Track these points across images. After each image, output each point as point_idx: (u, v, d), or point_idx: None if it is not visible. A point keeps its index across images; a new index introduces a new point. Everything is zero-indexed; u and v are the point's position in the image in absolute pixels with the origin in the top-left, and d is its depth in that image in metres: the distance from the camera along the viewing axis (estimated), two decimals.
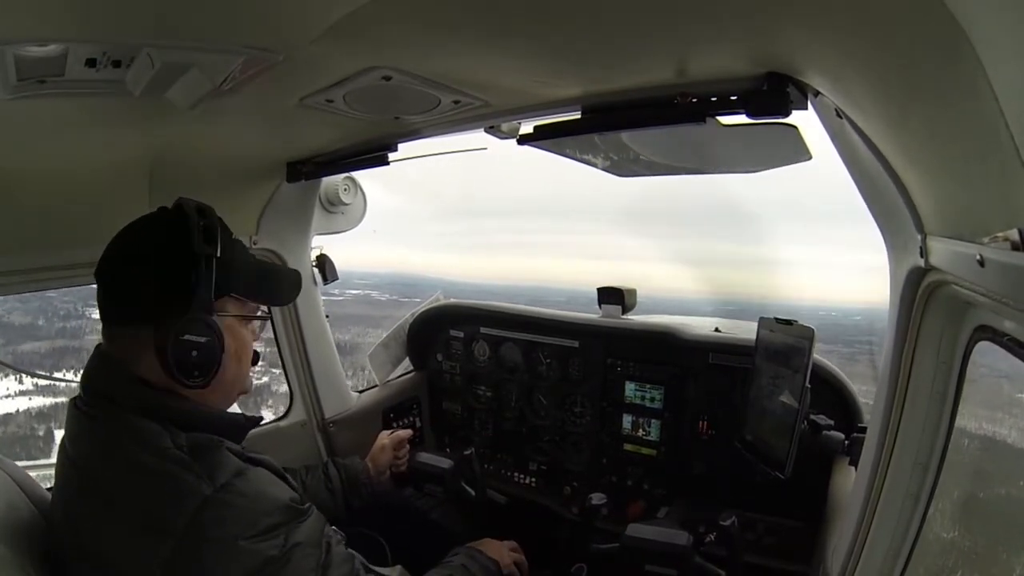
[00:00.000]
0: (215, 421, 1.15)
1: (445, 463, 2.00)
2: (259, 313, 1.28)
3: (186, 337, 1.06)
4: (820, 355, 1.93)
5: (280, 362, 2.33)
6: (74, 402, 1.13)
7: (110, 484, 1.04)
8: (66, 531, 1.07)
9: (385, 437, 2.03)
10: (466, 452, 2.04)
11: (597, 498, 1.79)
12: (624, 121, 1.32)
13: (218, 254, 1.11)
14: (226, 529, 0.99)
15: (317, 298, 2.38)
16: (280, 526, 1.06)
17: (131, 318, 1.11)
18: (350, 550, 1.25)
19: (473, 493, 2.04)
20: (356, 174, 2.41)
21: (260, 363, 1.33)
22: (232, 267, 1.16)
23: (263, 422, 2.26)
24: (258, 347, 1.31)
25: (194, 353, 1.07)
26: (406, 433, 2.09)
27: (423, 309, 2.77)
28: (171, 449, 1.04)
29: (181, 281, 1.08)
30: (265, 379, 2.89)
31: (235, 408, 1.35)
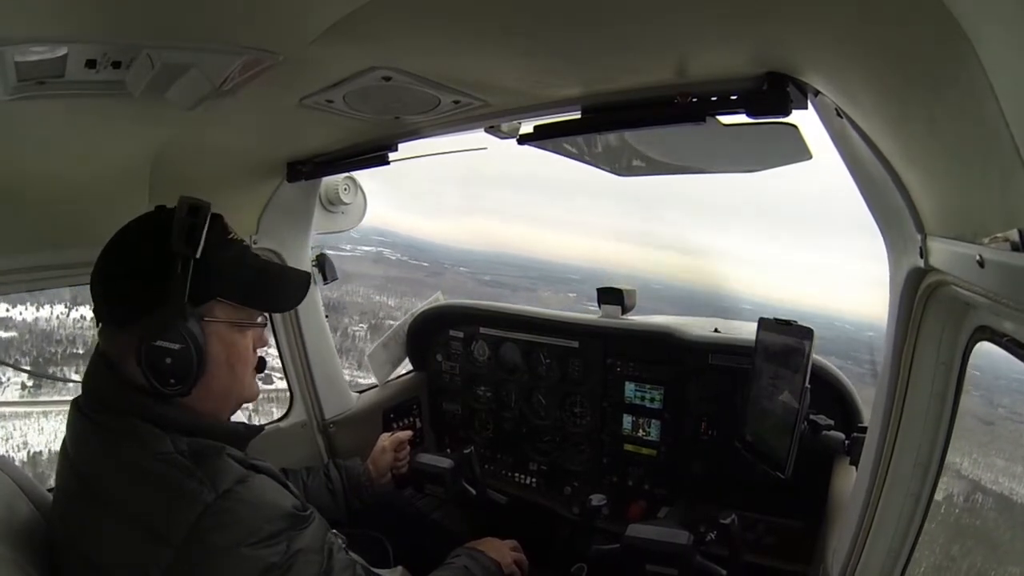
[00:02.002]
0: (215, 429, 1.13)
1: (445, 463, 2.00)
2: (258, 320, 1.23)
3: (159, 343, 1.04)
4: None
5: (280, 363, 2.33)
6: (76, 403, 1.13)
7: (111, 488, 1.03)
8: (65, 533, 1.06)
9: (385, 440, 2.03)
10: (465, 451, 2.04)
11: (597, 499, 1.79)
12: (624, 121, 1.32)
13: (196, 255, 1.07)
14: (228, 536, 0.99)
15: (317, 298, 2.38)
16: (282, 533, 1.05)
17: (116, 320, 1.10)
18: (352, 555, 1.24)
19: (474, 492, 2.04)
20: (356, 173, 2.41)
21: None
22: (220, 270, 1.13)
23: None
24: (262, 353, 1.27)
25: (168, 360, 1.04)
26: (405, 434, 2.09)
27: (423, 309, 2.77)
28: (173, 454, 1.03)
29: (159, 283, 1.06)
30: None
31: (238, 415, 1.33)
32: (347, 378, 2.54)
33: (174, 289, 1.06)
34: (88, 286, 1.14)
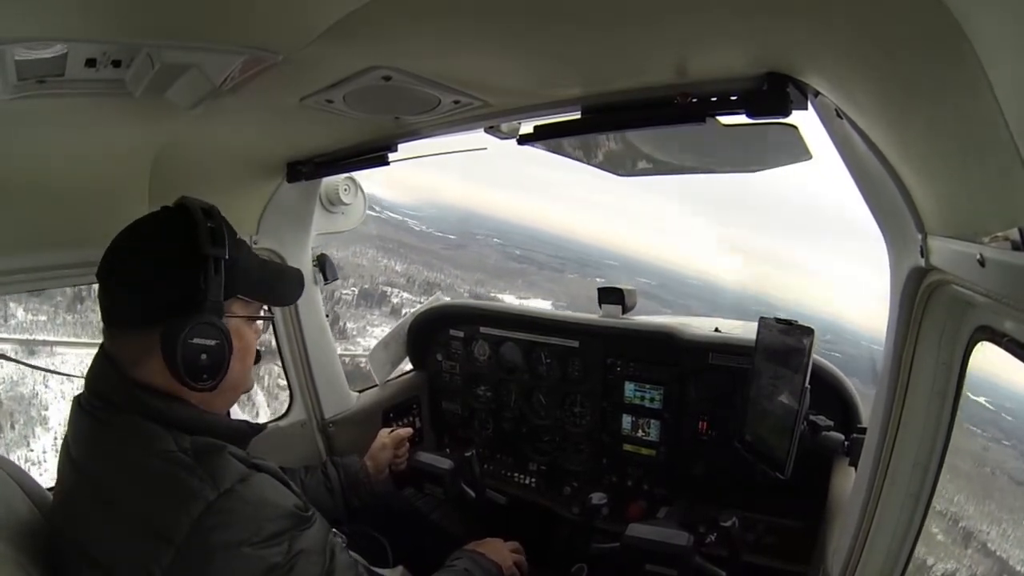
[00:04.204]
0: (218, 427, 1.14)
1: (446, 464, 2.00)
2: (263, 313, 1.28)
3: (195, 340, 1.06)
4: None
5: (280, 362, 2.33)
6: (78, 401, 1.13)
7: (113, 486, 1.03)
8: (67, 531, 1.06)
9: (385, 436, 2.03)
10: (467, 454, 2.04)
11: (597, 498, 1.79)
12: (624, 121, 1.32)
13: (227, 256, 1.11)
14: (229, 535, 0.99)
15: (317, 298, 2.38)
16: (284, 532, 1.05)
17: (136, 320, 1.10)
18: (353, 555, 1.25)
19: (473, 495, 2.04)
20: (356, 173, 2.41)
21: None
22: (238, 268, 1.16)
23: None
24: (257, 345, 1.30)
25: (203, 356, 1.07)
26: (406, 431, 2.09)
27: (423, 309, 2.77)
28: (175, 452, 1.03)
29: (190, 283, 1.08)
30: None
31: (238, 412, 1.35)
32: None
33: (211, 288, 1.08)
34: (87, 286, 1.14)
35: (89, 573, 1.02)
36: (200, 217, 1.11)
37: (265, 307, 1.32)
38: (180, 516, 0.97)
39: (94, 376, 1.13)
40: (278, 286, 1.33)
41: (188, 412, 1.10)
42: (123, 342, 1.11)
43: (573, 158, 1.82)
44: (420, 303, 2.89)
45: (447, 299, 2.83)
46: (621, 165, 1.87)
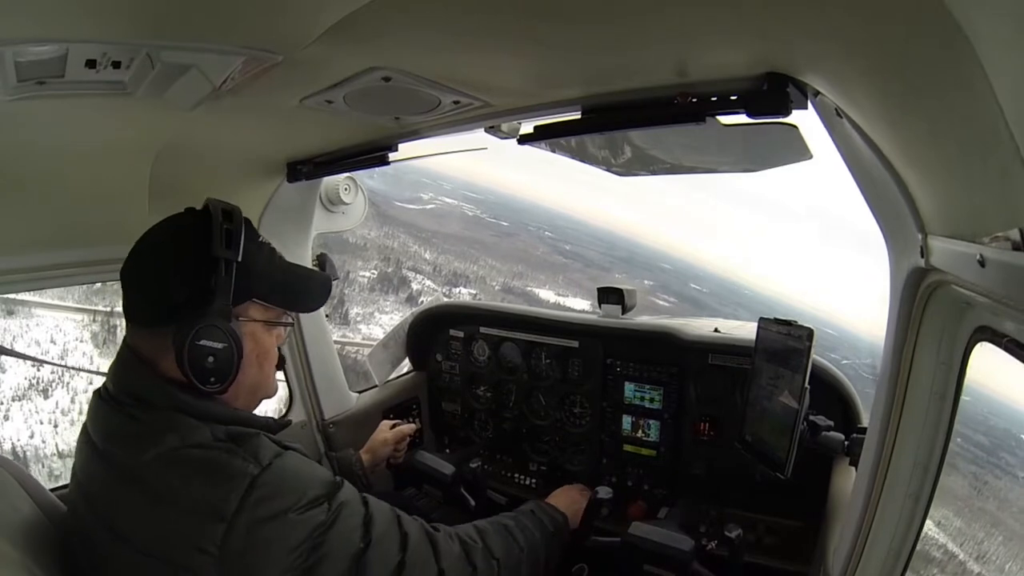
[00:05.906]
0: (251, 420, 1.17)
1: (447, 469, 2.01)
2: (283, 319, 1.28)
3: (202, 343, 1.08)
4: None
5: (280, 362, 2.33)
6: (99, 394, 1.15)
7: (155, 479, 1.04)
8: (94, 522, 1.06)
9: (387, 429, 2.04)
10: (472, 465, 2.04)
11: (604, 491, 1.78)
12: (624, 121, 1.32)
13: (239, 259, 1.12)
14: (276, 505, 1.03)
15: None
16: (323, 496, 1.10)
17: (152, 319, 1.12)
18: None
19: (473, 503, 2.04)
20: (356, 173, 2.41)
21: None
22: (256, 271, 1.17)
23: None
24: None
25: (210, 359, 1.08)
26: (409, 428, 2.11)
27: (423, 309, 2.78)
28: (213, 441, 1.07)
29: (200, 285, 1.09)
30: None
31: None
32: None
33: (219, 291, 1.10)
34: (85, 285, 1.14)
35: (127, 560, 1.02)
36: (218, 218, 1.12)
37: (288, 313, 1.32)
38: (229, 493, 1.01)
39: (121, 372, 1.15)
40: (300, 293, 1.32)
41: (218, 408, 1.13)
42: (143, 340, 1.14)
43: (573, 157, 1.82)
44: (441, 292, 2.88)
45: (469, 294, 2.83)
46: (620, 165, 1.87)
